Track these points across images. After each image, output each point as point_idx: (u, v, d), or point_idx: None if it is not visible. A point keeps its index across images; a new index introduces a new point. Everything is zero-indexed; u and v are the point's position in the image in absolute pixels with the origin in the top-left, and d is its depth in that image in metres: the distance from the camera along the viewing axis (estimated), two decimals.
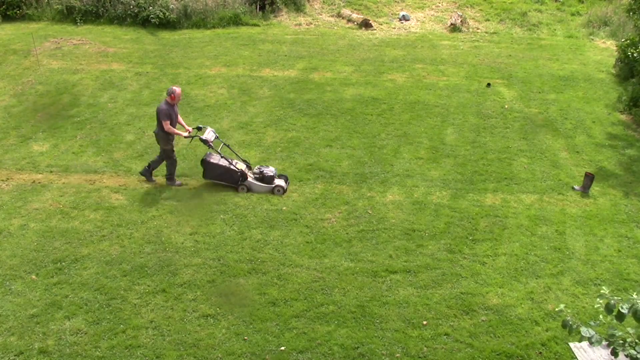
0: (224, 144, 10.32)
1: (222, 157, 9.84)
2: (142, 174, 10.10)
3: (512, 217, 9.43)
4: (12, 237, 8.64)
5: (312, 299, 7.62)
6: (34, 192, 9.70)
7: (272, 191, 9.81)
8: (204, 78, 14.23)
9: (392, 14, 19.33)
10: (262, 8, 18.58)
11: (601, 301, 4.32)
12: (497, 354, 6.90)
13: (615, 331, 4.39)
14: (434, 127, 12.25)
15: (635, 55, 14.21)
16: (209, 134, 9.88)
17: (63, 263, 8.11)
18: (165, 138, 9.68)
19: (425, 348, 6.95)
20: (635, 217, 9.55)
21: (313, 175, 10.39)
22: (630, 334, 4.37)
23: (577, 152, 11.54)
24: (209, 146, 9.79)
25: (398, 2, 20.02)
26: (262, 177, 9.82)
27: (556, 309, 4.20)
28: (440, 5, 20.01)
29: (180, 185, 10.01)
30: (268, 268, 8.13)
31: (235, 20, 18.12)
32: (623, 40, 15.11)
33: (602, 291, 4.34)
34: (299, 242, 8.67)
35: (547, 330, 7.22)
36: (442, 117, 12.69)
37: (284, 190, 9.82)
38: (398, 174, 10.52)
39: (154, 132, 9.92)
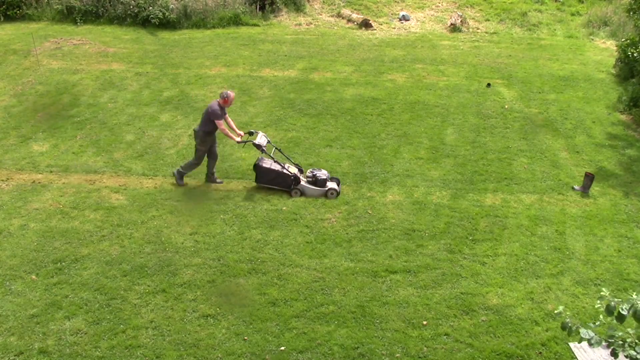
0: (276, 148, 10.20)
1: (274, 161, 9.75)
2: (208, 182, 10.07)
3: (512, 217, 9.43)
4: (12, 237, 8.64)
5: (312, 299, 7.62)
6: (34, 192, 9.71)
7: (325, 194, 9.71)
8: (204, 78, 14.23)
9: (392, 14, 19.34)
10: (262, 8, 18.58)
11: (601, 302, 4.32)
12: (497, 354, 6.90)
13: (615, 332, 4.39)
14: (434, 127, 12.26)
15: (635, 55, 14.21)
16: (261, 139, 9.75)
17: (63, 263, 8.11)
18: (202, 138, 9.61)
19: (425, 348, 6.95)
20: (635, 217, 9.55)
21: None
22: (630, 334, 4.37)
23: (577, 152, 11.54)
24: (262, 151, 9.66)
25: (398, 2, 20.02)
26: (315, 181, 9.70)
27: (555, 311, 4.19)
28: (440, 5, 20.01)
29: (183, 185, 9.99)
30: (268, 268, 8.13)
31: (235, 20, 18.13)
32: (623, 40, 15.11)
33: (602, 292, 4.34)
34: (299, 242, 8.67)
35: (547, 330, 7.23)
36: (442, 117, 12.69)
37: (338, 193, 9.73)
38: (398, 174, 10.52)
39: (193, 129, 9.88)
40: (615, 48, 16.00)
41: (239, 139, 9.83)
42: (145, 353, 6.76)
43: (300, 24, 18.45)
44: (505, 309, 7.55)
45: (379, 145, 11.44)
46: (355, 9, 19.28)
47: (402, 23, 18.79)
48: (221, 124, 9.51)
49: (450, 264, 8.34)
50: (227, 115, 9.82)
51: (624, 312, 4.21)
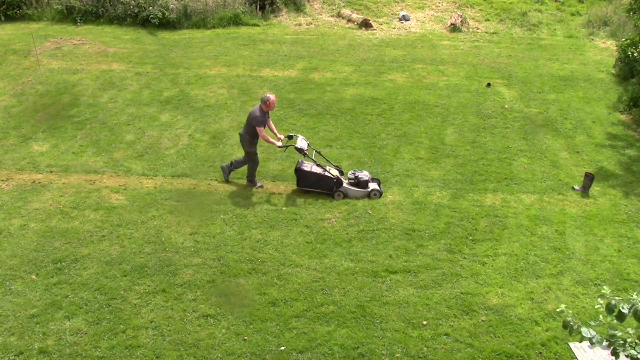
0: (316, 151, 10.11)
1: (316, 164, 9.69)
2: (223, 169, 10.09)
3: (512, 217, 9.42)
4: (12, 237, 8.64)
5: (312, 299, 7.61)
6: (34, 192, 9.70)
7: (368, 195, 9.67)
8: (204, 78, 14.23)
9: (392, 14, 19.34)
10: (262, 8, 18.58)
11: (602, 301, 4.32)
12: (497, 354, 6.90)
13: (616, 331, 4.39)
14: (434, 127, 12.25)
15: (635, 55, 14.21)
16: (301, 142, 9.69)
17: (63, 263, 8.11)
18: (249, 141, 9.58)
19: (425, 348, 6.95)
20: (635, 217, 9.55)
21: None
22: (630, 334, 4.36)
23: (577, 152, 11.54)
24: (304, 154, 9.61)
25: (398, 2, 20.02)
26: (358, 182, 9.64)
27: (557, 310, 4.19)
28: (440, 5, 20.01)
29: (262, 187, 9.92)
30: (268, 268, 8.13)
31: (235, 20, 18.13)
32: (623, 40, 15.11)
33: (603, 291, 4.34)
34: (299, 242, 8.67)
35: (547, 330, 7.23)
36: (442, 117, 12.69)
37: (380, 194, 9.70)
38: (398, 174, 10.52)
39: (239, 133, 9.86)
40: (615, 48, 16.01)
41: (279, 144, 9.72)
42: (145, 353, 6.76)
43: (300, 24, 18.45)
44: (505, 309, 7.55)
45: (379, 145, 11.44)
46: (355, 9, 19.28)
47: (402, 23, 18.79)
48: (262, 130, 9.40)
49: (450, 264, 8.34)
50: (269, 119, 9.72)
51: (625, 311, 4.21)
